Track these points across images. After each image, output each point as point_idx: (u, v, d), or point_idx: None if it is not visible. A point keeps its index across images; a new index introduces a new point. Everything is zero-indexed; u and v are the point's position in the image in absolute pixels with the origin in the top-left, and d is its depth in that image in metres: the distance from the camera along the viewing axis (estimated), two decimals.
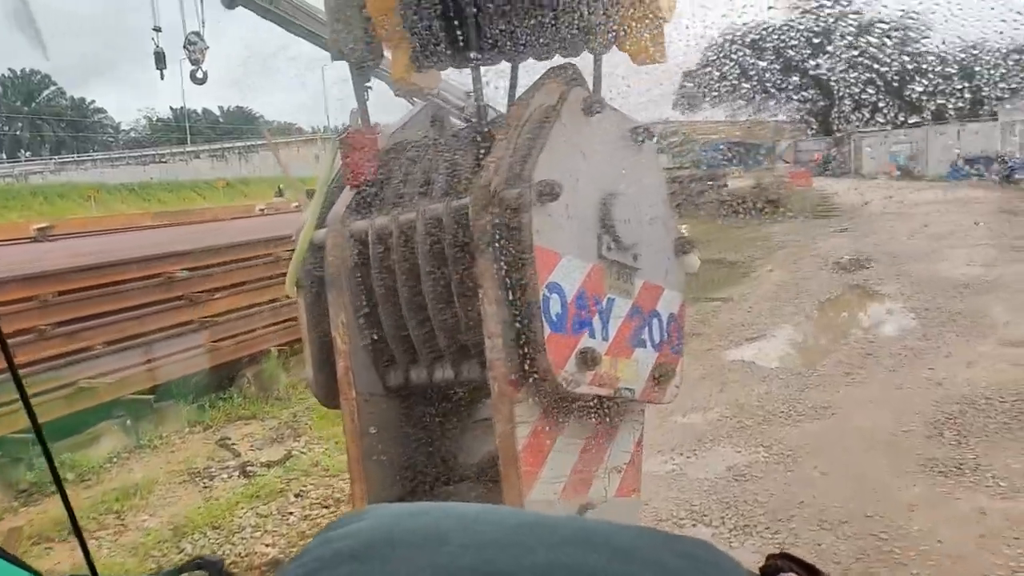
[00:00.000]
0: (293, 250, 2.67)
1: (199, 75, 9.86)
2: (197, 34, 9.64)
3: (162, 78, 9.86)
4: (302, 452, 7.54)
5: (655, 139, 2.77)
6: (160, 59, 9.58)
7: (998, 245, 14.74)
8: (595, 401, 2.50)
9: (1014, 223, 16.50)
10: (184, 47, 9.70)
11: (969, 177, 22.38)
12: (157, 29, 9.71)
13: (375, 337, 2.58)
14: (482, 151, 2.44)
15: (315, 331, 2.65)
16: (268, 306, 9.57)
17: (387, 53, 2.65)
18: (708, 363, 9.25)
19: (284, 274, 2.74)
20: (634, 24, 2.47)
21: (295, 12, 5.70)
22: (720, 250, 15.03)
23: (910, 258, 14.81)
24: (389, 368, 2.63)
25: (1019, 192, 21.45)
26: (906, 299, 12.31)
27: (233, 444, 7.85)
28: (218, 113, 69.94)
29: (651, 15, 2.47)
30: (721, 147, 23.01)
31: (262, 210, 16.18)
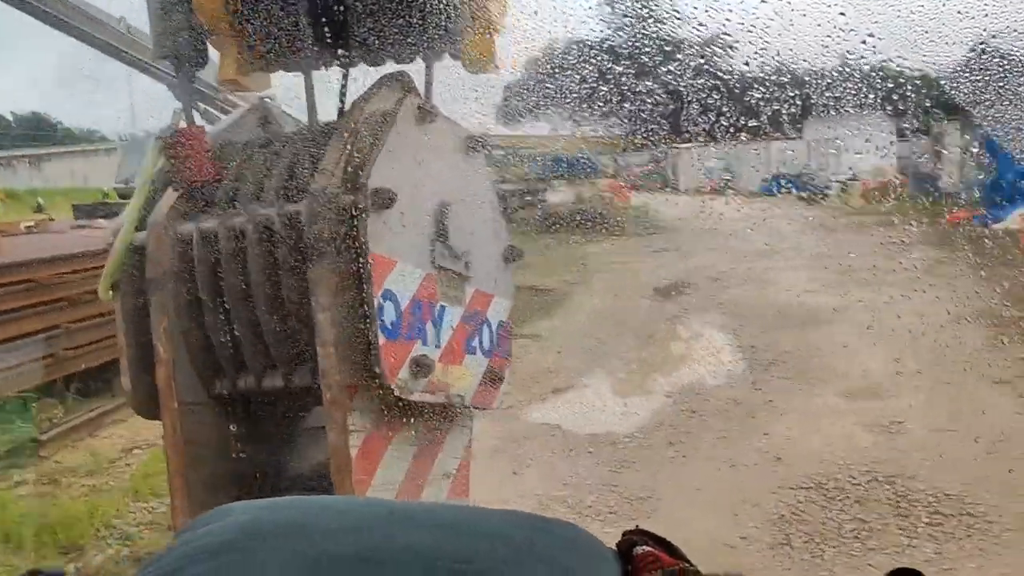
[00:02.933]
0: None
1: None
2: None
3: None
4: None
5: (486, 149, 2.78)
6: None
7: (819, 266, 14.04)
8: (427, 408, 2.51)
9: (830, 241, 16.07)
10: None
11: (782, 193, 22.90)
12: None
13: (200, 344, 2.48)
14: (315, 156, 2.38)
15: (133, 338, 2.52)
16: None
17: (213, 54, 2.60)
18: (506, 428, 7.31)
19: None
20: (466, 33, 2.50)
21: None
22: (533, 275, 13.60)
23: (731, 282, 13.56)
24: (215, 376, 2.54)
25: (829, 208, 21.79)
26: (730, 334, 10.72)
27: None
28: (10, 119, 63.36)
29: (483, 25, 2.51)
30: (542, 161, 22.47)
31: None
